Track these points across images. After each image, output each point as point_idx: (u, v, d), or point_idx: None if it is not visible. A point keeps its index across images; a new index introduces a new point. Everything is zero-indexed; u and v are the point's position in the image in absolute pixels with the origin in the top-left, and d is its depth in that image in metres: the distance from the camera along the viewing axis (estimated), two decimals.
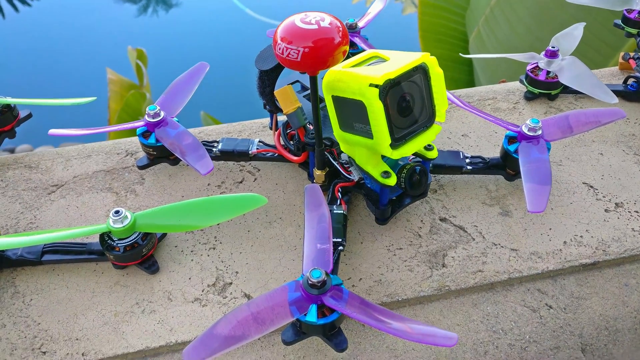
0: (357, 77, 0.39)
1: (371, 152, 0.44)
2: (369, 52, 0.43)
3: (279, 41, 0.39)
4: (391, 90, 0.39)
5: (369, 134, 0.41)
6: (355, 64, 0.42)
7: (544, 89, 0.63)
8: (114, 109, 2.52)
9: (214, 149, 0.54)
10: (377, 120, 0.39)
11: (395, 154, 0.41)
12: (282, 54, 0.39)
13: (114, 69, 2.68)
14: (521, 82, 0.65)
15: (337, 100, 0.42)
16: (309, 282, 0.37)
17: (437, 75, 0.42)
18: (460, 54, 0.60)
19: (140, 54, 2.70)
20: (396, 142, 0.41)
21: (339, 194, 0.49)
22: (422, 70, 0.41)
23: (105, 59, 3.08)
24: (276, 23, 0.41)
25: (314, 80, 0.42)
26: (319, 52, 0.38)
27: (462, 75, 1.87)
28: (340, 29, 0.40)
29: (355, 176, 0.48)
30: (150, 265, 0.47)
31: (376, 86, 0.38)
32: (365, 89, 0.38)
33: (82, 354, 0.41)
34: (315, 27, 0.38)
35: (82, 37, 3.49)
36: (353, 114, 0.41)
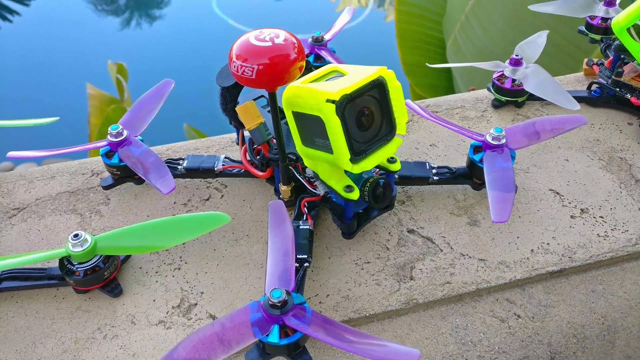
0: (315, 92, 0.39)
1: (333, 167, 0.44)
2: (328, 67, 0.43)
3: (234, 59, 0.39)
4: (349, 105, 0.39)
5: (329, 149, 0.40)
6: (314, 79, 0.42)
7: (511, 96, 0.64)
8: (94, 123, 2.50)
9: (179, 167, 0.54)
10: (336, 135, 0.39)
11: (356, 168, 0.41)
12: (237, 71, 0.39)
13: (94, 83, 2.66)
14: (489, 90, 0.66)
15: (297, 115, 0.42)
16: (270, 302, 0.36)
17: (395, 88, 0.42)
18: (426, 63, 0.61)
19: (121, 68, 2.68)
20: (356, 157, 0.41)
21: (305, 208, 0.48)
22: (379, 84, 0.41)
23: (86, 74, 3.06)
24: None
25: (272, 97, 0.41)
26: (274, 69, 0.38)
27: (441, 81, 1.88)
28: (296, 45, 0.39)
29: (321, 190, 0.48)
30: (112, 288, 0.45)
31: (332, 102, 0.38)
32: (322, 105, 0.38)
33: None
34: (270, 44, 0.38)
35: (63, 51, 3.46)
36: (313, 129, 0.41)
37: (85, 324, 0.44)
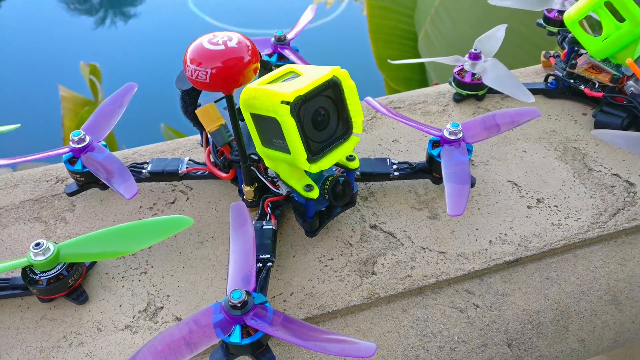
0: (270, 94, 0.39)
1: (293, 167, 0.45)
2: (285, 68, 0.44)
3: (188, 63, 0.39)
4: (303, 106, 0.40)
5: (287, 150, 0.41)
6: (270, 80, 0.42)
7: (471, 90, 0.65)
8: (68, 126, 2.46)
9: (144, 171, 0.54)
10: (291, 136, 0.40)
11: (314, 168, 0.41)
12: (192, 75, 0.39)
13: (67, 85, 2.62)
14: (450, 84, 0.67)
15: (254, 117, 0.42)
16: (230, 303, 0.37)
17: (349, 88, 0.43)
18: (388, 60, 0.61)
19: (94, 69, 2.64)
20: (313, 156, 0.41)
21: (269, 208, 0.49)
22: (333, 84, 0.42)
23: (58, 76, 3.01)
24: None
25: (229, 99, 0.42)
26: (228, 72, 0.38)
27: (415, 74, 1.90)
28: (249, 47, 0.40)
29: (283, 190, 0.48)
30: (78, 295, 0.46)
31: (287, 103, 0.39)
32: (277, 106, 0.39)
33: None
34: (222, 47, 0.39)
35: (35, 53, 3.39)
36: (270, 130, 0.42)
37: (51, 333, 0.44)
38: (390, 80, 1.87)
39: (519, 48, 1.49)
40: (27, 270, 0.44)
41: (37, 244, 0.43)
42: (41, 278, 0.43)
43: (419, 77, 1.91)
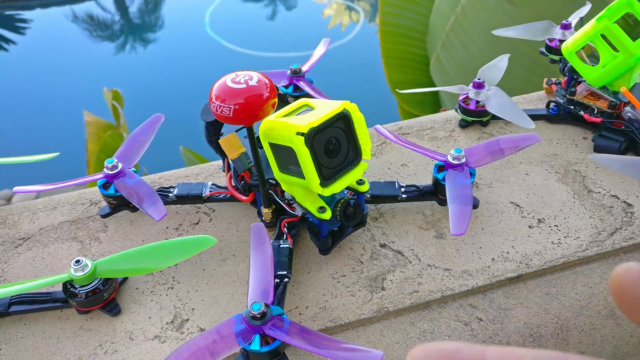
0: (287, 126, 0.44)
1: (307, 190, 0.49)
2: (299, 102, 0.48)
3: (213, 100, 0.44)
4: (317, 136, 0.44)
5: (301, 175, 0.45)
6: (287, 114, 0.47)
7: (476, 116, 0.69)
8: (92, 150, 2.55)
9: (170, 194, 0.59)
10: (306, 163, 0.44)
11: (326, 192, 0.46)
12: (217, 111, 0.44)
13: (90, 110, 2.72)
14: (456, 110, 0.71)
15: (272, 146, 0.47)
16: (251, 314, 0.41)
17: (358, 119, 0.47)
18: (397, 89, 0.66)
19: (116, 95, 2.74)
20: (326, 181, 0.46)
21: (285, 229, 0.53)
22: (344, 117, 0.46)
23: (82, 101, 3.13)
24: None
25: (250, 130, 0.47)
26: (249, 108, 0.43)
27: (427, 97, 1.95)
28: (268, 85, 0.45)
29: (299, 212, 0.53)
30: (112, 308, 0.50)
31: (302, 134, 0.43)
32: (293, 137, 0.43)
33: None
34: (244, 86, 0.43)
35: (60, 79, 3.53)
36: (287, 158, 0.46)
37: (88, 342, 0.48)
38: (404, 102, 1.91)
39: (530, 71, 1.52)
40: (68, 284, 0.48)
41: (77, 261, 0.47)
42: (80, 291, 0.48)
43: (432, 100, 1.95)
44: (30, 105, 3.26)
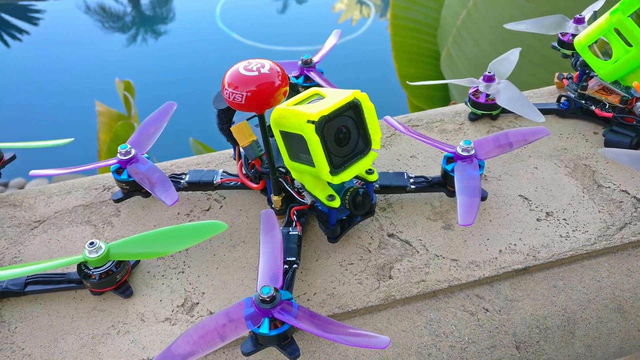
0: (297, 114, 0.45)
1: (317, 178, 0.49)
2: (310, 91, 0.49)
3: (226, 87, 0.45)
4: (327, 125, 0.45)
5: (312, 163, 0.46)
6: (298, 102, 0.47)
7: (485, 110, 0.69)
8: (103, 140, 2.58)
9: (182, 181, 0.59)
10: (316, 151, 0.44)
11: (336, 180, 0.46)
12: (229, 97, 0.44)
13: (102, 100, 2.75)
14: (466, 104, 0.71)
15: (283, 134, 0.47)
16: (260, 298, 0.42)
17: (369, 109, 0.47)
18: (407, 81, 0.66)
19: (128, 86, 2.76)
20: (335, 169, 0.46)
21: (295, 216, 0.54)
22: (354, 106, 0.46)
23: (94, 91, 3.16)
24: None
25: (261, 118, 0.47)
26: (260, 95, 0.44)
27: (437, 92, 1.94)
28: (280, 73, 0.45)
29: (308, 200, 0.53)
30: (124, 290, 0.51)
31: (312, 122, 0.44)
32: (304, 125, 0.44)
33: None
34: (256, 73, 0.44)
35: (73, 70, 3.56)
36: (297, 145, 0.47)
37: (101, 322, 0.49)
38: (413, 97, 1.91)
39: (541, 68, 1.51)
40: (82, 266, 0.49)
41: (92, 243, 0.49)
42: (94, 273, 0.49)
43: (441, 95, 1.95)
44: (43, 95, 3.29)
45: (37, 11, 4.43)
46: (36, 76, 3.50)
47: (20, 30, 4.16)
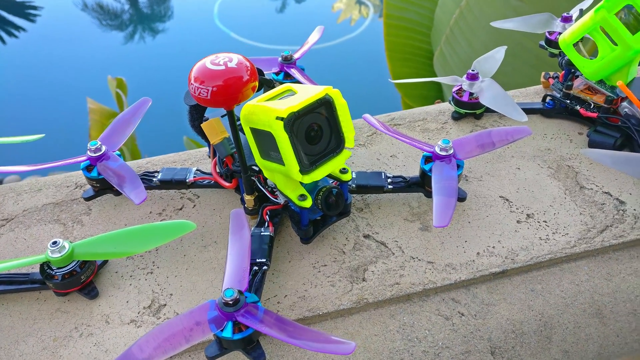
0: (267, 110, 0.43)
1: (288, 178, 0.48)
2: (283, 87, 0.47)
3: (192, 81, 0.43)
4: (297, 122, 0.43)
5: (282, 161, 0.44)
6: (269, 98, 0.46)
7: (469, 108, 0.68)
8: (95, 137, 2.56)
9: (154, 179, 0.58)
10: (285, 149, 0.43)
11: (306, 179, 0.45)
12: (195, 92, 0.43)
13: (94, 98, 2.73)
14: (449, 102, 0.70)
15: (254, 131, 0.46)
16: (223, 300, 0.40)
17: (341, 106, 0.46)
18: (389, 79, 0.65)
19: (120, 83, 2.74)
20: (306, 168, 0.45)
21: (267, 216, 0.52)
22: (326, 102, 0.45)
23: (87, 89, 3.14)
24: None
25: (231, 114, 0.46)
26: (227, 90, 0.42)
27: (431, 92, 1.93)
28: (248, 68, 0.44)
29: (281, 199, 0.52)
30: (89, 291, 0.50)
31: (281, 119, 0.42)
32: (272, 121, 0.42)
33: None
34: (223, 67, 0.43)
35: (67, 66, 3.55)
36: (267, 143, 0.45)
37: (64, 324, 0.48)
38: (407, 97, 1.89)
39: (533, 68, 1.50)
40: (45, 266, 0.48)
41: (54, 243, 0.47)
42: (57, 273, 0.47)
43: (435, 95, 1.93)
44: (36, 92, 3.27)
45: (35, 8, 4.41)
46: (30, 73, 3.48)
47: (17, 27, 4.13)
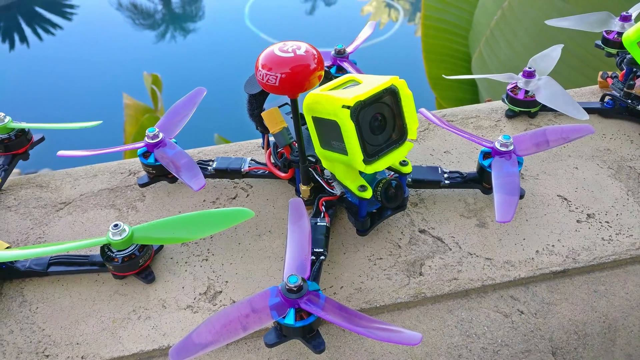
0: (332, 99, 0.43)
1: (349, 168, 0.48)
2: (345, 77, 0.47)
3: (259, 68, 0.43)
4: (362, 111, 0.43)
5: (344, 151, 0.44)
6: (332, 87, 0.46)
7: (524, 107, 0.66)
8: (129, 132, 2.61)
9: (209, 168, 0.58)
10: (350, 138, 0.43)
11: (369, 169, 0.44)
12: (263, 79, 0.43)
13: (130, 93, 2.78)
14: (503, 100, 0.69)
15: (316, 120, 0.46)
16: (287, 287, 0.40)
17: (406, 96, 0.45)
18: (443, 75, 0.64)
19: (155, 79, 2.79)
20: (369, 158, 0.44)
21: (323, 207, 0.52)
22: (392, 92, 0.45)
23: (123, 84, 3.21)
24: None
25: (294, 103, 0.46)
26: (295, 78, 0.42)
27: (466, 94, 1.90)
28: (316, 56, 0.44)
29: (337, 191, 0.51)
30: (146, 275, 0.50)
31: (347, 107, 0.42)
32: (338, 110, 0.42)
33: (82, 357, 0.45)
34: (292, 54, 0.43)
35: (102, 63, 3.63)
36: (330, 132, 0.45)
37: (122, 306, 0.48)
38: (442, 99, 1.87)
39: (575, 70, 1.47)
40: (105, 248, 0.49)
41: (116, 225, 0.48)
42: (117, 256, 0.48)
43: (471, 97, 1.91)
44: (73, 88, 3.36)
45: (71, 6, 4.53)
46: (67, 69, 3.57)
47: (54, 25, 4.25)
